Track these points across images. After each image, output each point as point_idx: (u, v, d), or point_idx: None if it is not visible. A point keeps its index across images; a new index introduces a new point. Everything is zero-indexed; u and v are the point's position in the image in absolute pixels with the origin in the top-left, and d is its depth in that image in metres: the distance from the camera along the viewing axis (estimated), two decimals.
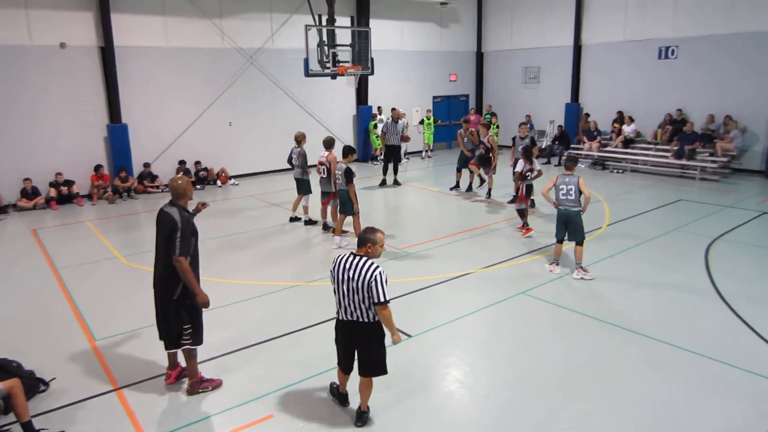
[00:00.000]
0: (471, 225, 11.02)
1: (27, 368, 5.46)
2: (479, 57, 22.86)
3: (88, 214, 13.00)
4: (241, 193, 14.96)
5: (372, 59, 13.93)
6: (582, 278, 7.94)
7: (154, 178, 15.19)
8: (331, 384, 5.18)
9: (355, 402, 4.91)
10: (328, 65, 13.14)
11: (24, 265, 9.38)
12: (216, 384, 5.36)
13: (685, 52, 16.60)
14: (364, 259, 4.41)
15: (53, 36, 13.56)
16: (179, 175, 5.41)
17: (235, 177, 16.41)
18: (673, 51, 16.87)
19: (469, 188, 14.05)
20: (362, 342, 4.58)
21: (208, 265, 8.99)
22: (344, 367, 4.82)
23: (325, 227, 10.79)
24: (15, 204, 13.34)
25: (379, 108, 19.17)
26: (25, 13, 13.13)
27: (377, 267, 4.36)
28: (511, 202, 12.36)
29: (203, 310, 5.15)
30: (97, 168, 14.28)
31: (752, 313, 6.74)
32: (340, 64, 13.29)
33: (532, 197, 11.38)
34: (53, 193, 13.60)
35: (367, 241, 4.46)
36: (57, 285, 8.29)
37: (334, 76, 13.60)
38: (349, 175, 9.41)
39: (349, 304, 4.44)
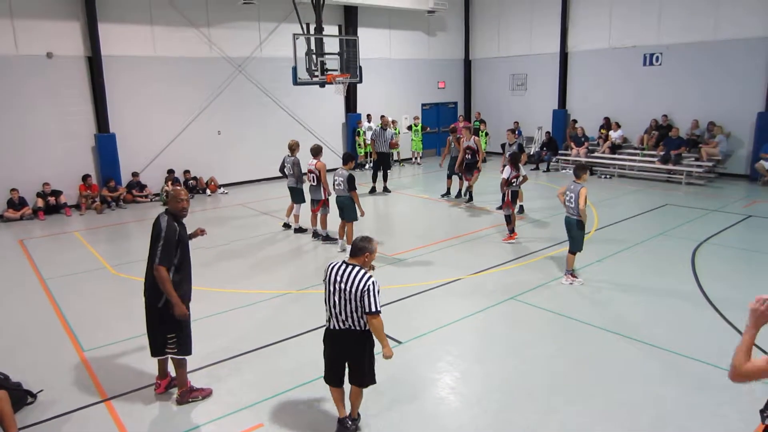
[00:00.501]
0: (460, 231, 11.07)
1: (14, 380, 5.40)
2: (467, 64, 23.03)
3: (76, 224, 12.91)
4: (230, 201, 14.93)
5: (360, 67, 13.99)
6: (571, 284, 8.00)
7: (142, 187, 15.12)
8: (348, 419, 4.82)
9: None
10: (316, 73, 13.17)
11: (11, 276, 9.29)
12: (206, 393, 5.33)
13: (669, 59, 16.84)
14: (357, 268, 4.36)
15: (40, 46, 13.50)
16: (177, 186, 5.45)
17: (224, 186, 16.38)
18: (657, 58, 17.10)
19: (459, 194, 14.12)
20: (354, 351, 4.52)
21: (198, 273, 8.96)
22: (333, 380, 4.67)
23: (315, 235, 10.78)
24: (1, 215, 13.20)
25: (368, 116, 19.25)
26: (11, 23, 13.07)
27: (370, 277, 4.34)
28: (499, 207, 12.45)
29: (191, 319, 5.15)
30: (85, 178, 14.19)
31: (739, 316, 6.81)
32: (329, 73, 13.32)
33: (520, 203, 11.46)
34: (41, 203, 13.49)
35: (365, 251, 4.41)
36: (44, 296, 8.21)
37: (322, 85, 13.63)
38: (351, 181, 9.47)
39: (341, 312, 4.38)
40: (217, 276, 8.86)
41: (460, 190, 14.15)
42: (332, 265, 4.48)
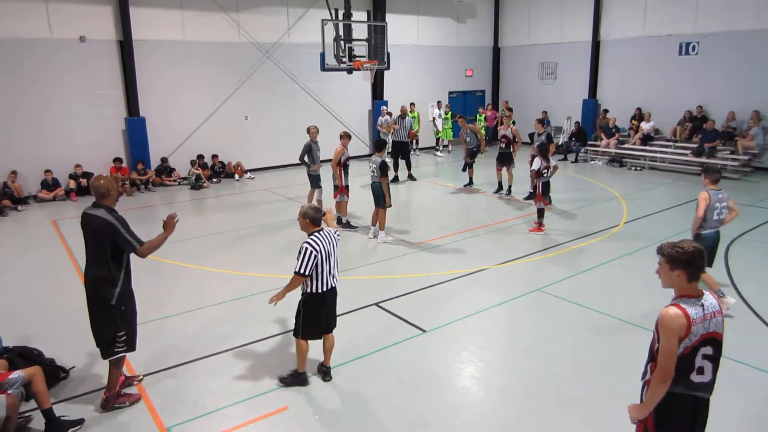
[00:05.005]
0: (487, 221, 10.96)
1: (47, 356, 5.56)
2: (496, 52, 22.70)
3: None
4: (256, 186, 15.05)
5: (388, 54, 13.88)
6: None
7: (171, 171, 15.33)
8: (283, 379, 5.36)
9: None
10: (344, 60, 13.12)
11: (44, 255, 9.54)
12: (134, 399, 5.03)
13: (706, 49, 16.33)
14: (328, 229, 5.16)
15: (73, 29, 13.72)
16: (101, 174, 5.07)
17: (251, 171, 16.50)
18: (693, 47, 16.61)
19: (470, 182, 13.92)
20: (335, 301, 5.32)
21: (224, 257, 9.11)
22: (319, 334, 5.27)
23: (339, 221, 10.79)
24: (35, 195, 13.55)
25: (407, 106, 18.77)
26: (45, 7, 13.30)
27: (331, 228, 5.24)
28: (527, 198, 12.30)
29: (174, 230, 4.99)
30: (116, 160, 14.44)
31: None
32: (356, 59, 13.26)
33: (549, 194, 11.28)
34: (73, 184, 13.81)
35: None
36: (76, 275, 8.41)
37: (350, 71, 13.58)
38: (383, 167, 9.47)
39: (333, 270, 5.11)
40: (242, 260, 8.95)
41: (471, 178, 13.95)
42: (323, 236, 5.02)
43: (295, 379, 5.29)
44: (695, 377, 3.06)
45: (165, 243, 4.89)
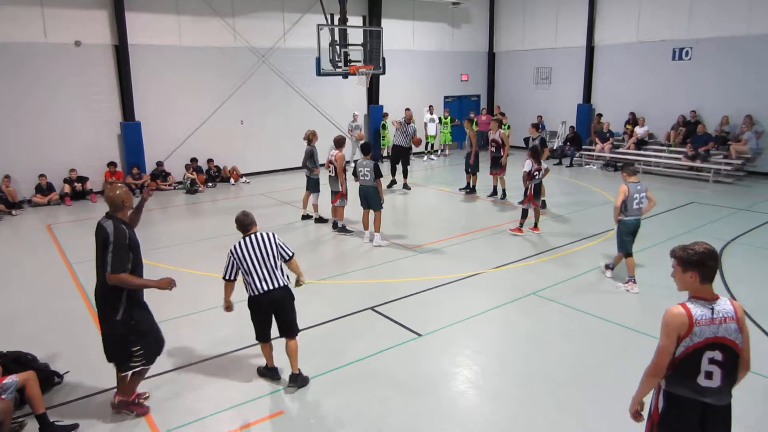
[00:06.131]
0: (482, 225, 11.00)
1: (41, 361, 5.54)
2: (491, 57, 22.81)
3: (101, 210, 12.92)
4: (252, 191, 15.04)
5: (383, 59, 13.95)
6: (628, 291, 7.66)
7: (166, 176, 15.31)
8: (258, 368, 5.58)
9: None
10: (339, 64, 13.18)
11: (38, 259, 9.50)
12: (142, 412, 4.93)
13: (699, 54, 16.46)
14: (260, 233, 5.24)
15: (68, 34, 13.71)
16: (117, 184, 4.88)
17: (246, 175, 16.50)
18: (687, 52, 16.74)
19: (473, 189, 13.91)
20: (282, 305, 5.21)
21: (219, 262, 9.06)
22: (266, 337, 5.34)
23: (335, 225, 10.80)
24: (30, 200, 13.50)
25: (411, 112, 18.58)
26: (41, 11, 13.29)
27: (270, 232, 5.30)
28: (522, 202, 12.33)
29: (168, 291, 4.71)
30: (111, 165, 14.41)
31: (766, 318, 6.67)
32: (352, 64, 13.32)
33: (543, 198, 11.33)
34: (67, 189, 13.77)
35: (254, 222, 5.32)
36: (71, 279, 8.39)
37: (345, 76, 13.64)
38: (378, 170, 9.47)
39: (268, 274, 5.10)
40: None
41: (473, 185, 13.93)
42: (246, 242, 5.21)
43: (266, 372, 5.50)
44: (703, 381, 3.05)
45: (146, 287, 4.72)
